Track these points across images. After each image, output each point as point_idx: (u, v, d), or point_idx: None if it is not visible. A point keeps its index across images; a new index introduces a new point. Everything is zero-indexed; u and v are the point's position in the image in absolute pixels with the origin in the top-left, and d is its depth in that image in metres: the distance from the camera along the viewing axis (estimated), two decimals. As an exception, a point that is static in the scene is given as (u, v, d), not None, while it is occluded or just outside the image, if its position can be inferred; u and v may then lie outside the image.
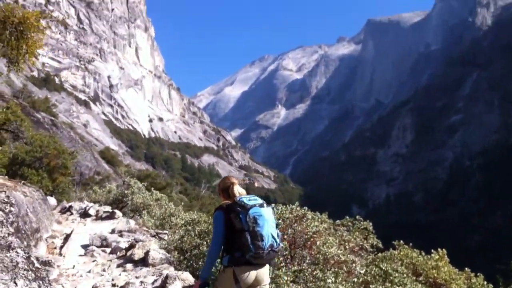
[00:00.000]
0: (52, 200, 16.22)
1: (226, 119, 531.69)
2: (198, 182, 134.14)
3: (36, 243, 9.52)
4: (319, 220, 8.20)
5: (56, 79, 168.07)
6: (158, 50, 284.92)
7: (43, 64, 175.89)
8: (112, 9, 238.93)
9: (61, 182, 18.63)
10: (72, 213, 14.70)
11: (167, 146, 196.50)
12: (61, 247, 10.42)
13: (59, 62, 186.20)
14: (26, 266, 6.84)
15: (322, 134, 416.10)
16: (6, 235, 7.39)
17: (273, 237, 4.29)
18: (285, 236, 7.80)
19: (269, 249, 4.24)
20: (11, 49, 6.13)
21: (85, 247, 10.39)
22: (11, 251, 6.79)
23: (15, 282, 6.36)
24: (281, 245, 4.44)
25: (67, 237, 11.05)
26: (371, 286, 6.71)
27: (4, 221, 7.78)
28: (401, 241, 10.67)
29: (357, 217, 10.00)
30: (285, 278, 6.74)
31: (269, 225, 4.29)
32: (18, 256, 6.95)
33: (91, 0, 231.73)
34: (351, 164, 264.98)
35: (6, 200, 8.69)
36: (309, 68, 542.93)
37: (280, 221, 7.79)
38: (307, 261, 7.67)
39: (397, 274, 7.29)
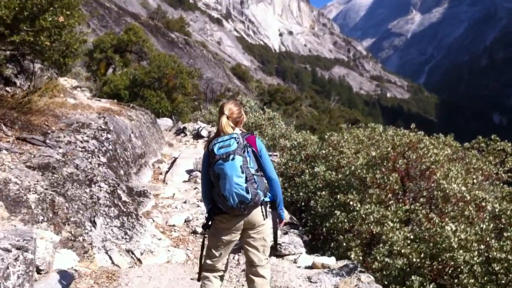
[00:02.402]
0: (168, 121, 16.29)
1: (356, 28, 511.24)
2: (328, 94, 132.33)
3: (139, 170, 9.30)
4: (440, 145, 6.77)
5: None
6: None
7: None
8: None
9: (180, 102, 18.65)
10: (185, 135, 14.59)
11: (297, 60, 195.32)
12: (167, 172, 10.18)
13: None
14: (108, 202, 6.46)
15: (461, 39, 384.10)
16: (96, 166, 7.11)
17: (239, 194, 3.73)
18: (397, 166, 6.56)
19: (241, 205, 3.75)
20: None
21: (190, 172, 10.03)
22: (93, 185, 6.44)
23: (93, 221, 6.03)
24: (260, 197, 3.86)
25: (173, 162, 10.79)
26: (504, 233, 5.32)
27: (96, 150, 7.50)
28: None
29: (492, 136, 8.24)
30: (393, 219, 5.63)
31: (231, 183, 3.72)
32: (101, 190, 6.60)
33: None
34: (493, 68, 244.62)
35: (103, 126, 8.44)
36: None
37: (389, 149, 6.52)
38: (424, 195, 6.41)
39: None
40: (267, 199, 3.98)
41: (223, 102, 4.30)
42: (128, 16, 62.35)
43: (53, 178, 5.98)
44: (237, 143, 3.86)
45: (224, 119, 3.99)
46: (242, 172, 3.80)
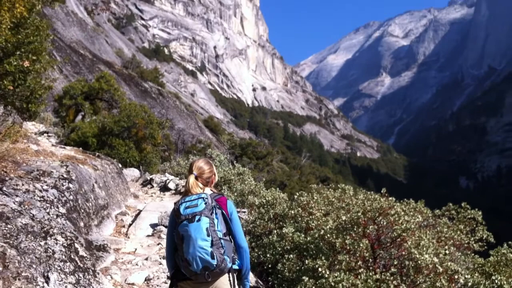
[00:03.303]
0: (135, 172, 15.91)
1: (328, 88, 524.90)
2: (299, 151, 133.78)
3: (101, 222, 8.89)
4: (411, 212, 6.64)
5: (166, 50, 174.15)
6: (263, 19, 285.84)
7: (154, 35, 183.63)
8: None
9: (149, 152, 18.35)
10: (152, 186, 14.22)
11: (270, 115, 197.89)
12: (130, 225, 9.78)
13: (169, 33, 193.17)
14: (64, 257, 6.04)
15: (429, 103, 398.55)
16: (53, 217, 6.73)
17: (203, 259, 3.51)
18: (367, 231, 6.38)
19: (205, 271, 3.54)
20: None
21: (154, 226, 9.66)
22: (48, 238, 6.06)
23: (46, 277, 5.62)
24: (227, 264, 3.63)
25: (138, 214, 10.41)
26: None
27: (56, 200, 7.14)
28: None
29: (462, 204, 8.22)
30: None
31: (195, 246, 3.52)
32: (56, 244, 6.20)
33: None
34: (460, 134, 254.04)
35: (65, 175, 8.08)
36: (417, 34, 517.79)
37: (359, 213, 6.36)
38: (395, 264, 6.20)
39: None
40: (235, 266, 3.72)
41: (193, 160, 4.10)
42: (102, 64, 62.39)
43: (6, 228, 5.59)
44: (205, 203, 3.63)
45: (192, 179, 3.79)
46: (208, 235, 3.55)
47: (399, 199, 7.56)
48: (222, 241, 3.59)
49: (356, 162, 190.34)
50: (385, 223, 6.26)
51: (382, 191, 7.13)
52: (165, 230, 9.35)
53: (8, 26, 5.79)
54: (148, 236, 9.27)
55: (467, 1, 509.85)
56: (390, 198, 6.77)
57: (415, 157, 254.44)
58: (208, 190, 3.86)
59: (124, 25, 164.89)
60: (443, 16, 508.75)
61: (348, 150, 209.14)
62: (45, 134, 18.81)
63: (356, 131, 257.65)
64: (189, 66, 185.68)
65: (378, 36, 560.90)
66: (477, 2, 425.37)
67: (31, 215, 6.26)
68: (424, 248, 5.82)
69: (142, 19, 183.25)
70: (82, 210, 8.06)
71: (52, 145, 11.59)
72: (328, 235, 6.41)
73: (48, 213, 6.67)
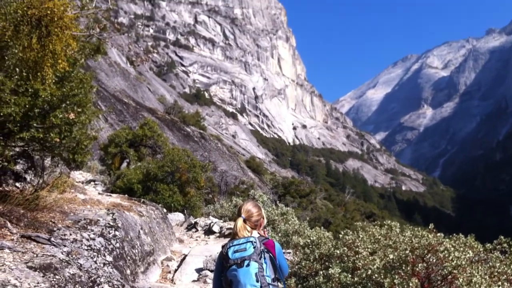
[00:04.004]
0: (179, 216, 16.02)
1: (369, 122, 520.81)
2: (343, 187, 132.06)
3: (147, 268, 8.93)
4: (461, 247, 6.38)
5: (206, 94, 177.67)
6: (300, 59, 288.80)
7: (194, 80, 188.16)
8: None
9: (193, 196, 18.51)
10: (197, 230, 14.26)
11: (311, 152, 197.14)
12: (175, 271, 9.77)
13: (208, 77, 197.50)
14: (110, 307, 6.13)
15: (474, 133, 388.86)
16: (100, 266, 6.81)
17: None
18: (416, 269, 6.15)
19: None
20: (34, 51, 5.36)
21: (199, 271, 9.62)
22: (95, 287, 6.14)
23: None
24: None
25: (183, 259, 10.41)
26: None
27: (102, 249, 7.25)
28: None
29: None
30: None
31: None
32: (103, 294, 6.27)
33: (235, 17, 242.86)
34: (508, 162, 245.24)
35: (111, 223, 8.23)
36: (456, 64, 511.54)
37: (407, 251, 6.15)
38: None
39: None
40: None
41: (242, 203, 4.08)
42: (145, 111, 64.07)
43: (54, 279, 5.68)
44: (254, 248, 3.59)
45: (240, 222, 3.77)
46: (257, 281, 3.49)
47: (448, 233, 7.31)
48: (271, 286, 3.54)
49: (401, 197, 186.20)
50: (434, 260, 6.03)
51: (430, 227, 6.90)
52: (210, 274, 9.30)
53: (53, 81, 6.03)
54: (194, 281, 9.24)
55: (505, 29, 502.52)
56: (439, 234, 6.54)
57: (462, 189, 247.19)
58: (255, 233, 3.82)
59: (165, 72, 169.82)
60: (482, 45, 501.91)
61: (392, 185, 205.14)
62: (92, 183, 19.28)
63: (400, 165, 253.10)
64: (230, 108, 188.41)
65: (417, 68, 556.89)
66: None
67: (79, 264, 6.36)
68: (477, 285, 5.57)
69: (182, 65, 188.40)
70: (129, 257, 8.13)
71: (99, 193, 11.84)
72: (376, 274, 6.21)
73: (95, 262, 6.76)
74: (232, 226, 13.62)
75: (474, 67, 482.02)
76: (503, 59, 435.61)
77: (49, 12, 5.38)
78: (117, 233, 8.05)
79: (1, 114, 5.53)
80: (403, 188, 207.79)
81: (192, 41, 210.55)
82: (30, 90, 5.75)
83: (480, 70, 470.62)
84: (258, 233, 3.87)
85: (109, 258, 7.19)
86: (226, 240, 12.44)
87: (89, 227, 7.58)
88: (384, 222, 8.44)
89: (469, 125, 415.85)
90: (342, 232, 8.54)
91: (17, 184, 8.08)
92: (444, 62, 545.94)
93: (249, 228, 3.78)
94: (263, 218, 3.97)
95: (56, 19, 5.39)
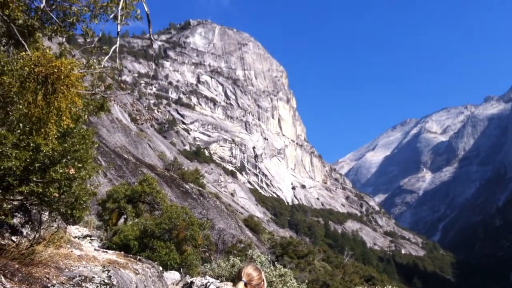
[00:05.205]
0: (175, 275, 15.75)
1: (368, 184, 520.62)
2: (341, 249, 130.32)
3: (140, 328, 8.71)
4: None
5: (206, 152, 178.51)
6: (300, 120, 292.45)
7: (194, 138, 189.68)
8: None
9: (189, 254, 18.27)
10: (192, 290, 13.98)
11: (310, 213, 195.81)
12: (169, 332, 9.52)
13: (209, 136, 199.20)
14: None
15: (473, 198, 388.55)
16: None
17: None
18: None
19: None
20: (39, 108, 5.47)
21: (193, 333, 9.37)
22: None
23: None
24: None
25: (177, 320, 10.16)
26: None
27: (96, 308, 7.12)
28: None
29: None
30: None
31: None
32: None
33: (237, 78, 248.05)
34: (507, 229, 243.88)
35: (106, 281, 8.10)
36: (455, 130, 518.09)
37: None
38: None
39: None
40: None
41: (241, 266, 4.04)
42: (145, 167, 64.14)
43: (45, 338, 5.56)
44: None
45: (241, 286, 3.72)
46: None
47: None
48: None
49: (401, 260, 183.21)
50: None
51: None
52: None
53: (55, 136, 6.13)
54: None
55: (503, 96, 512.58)
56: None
57: (462, 254, 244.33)
58: None
59: (166, 129, 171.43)
60: (480, 112, 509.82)
61: (392, 248, 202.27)
62: (88, 238, 19.07)
63: (399, 228, 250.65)
64: (229, 167, 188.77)
65: (416, 132, 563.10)
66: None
67: (72, 322, 6.23)
68: None
69: (184, 123, 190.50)
70: (123, 317, 7.95)
71: (95, 249, 11.71)
72: None
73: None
74: (229, 287, 13.37)
75: (473, 133, 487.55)
76: (501, 126, 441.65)
77: (56, 70, 5.54)
78: (111, 291, 7.91)
79: (2, 167, 5.59)
80: (403, 251, 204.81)
81: (194, 100, 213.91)
82: (31, 144, 5.84)
83: (478, 136, 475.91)
84: None
85: (101, 319, 7.03)
86: (222, 301, 12.17)
87: (83, 284, 7.47)
88: (385, 286, 8.34)
89: (468, 190, 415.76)
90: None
91: (13, 238, 8.02)
92: (442, 127, 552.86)
93: None
94: (263, 281, 3.92)
95: (62, 77, 5.54)
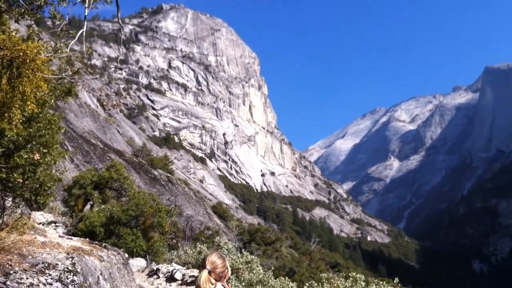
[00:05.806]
0: (141, 262, 15.70)
1: (337, 172, 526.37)
2: (309, 236, 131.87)
3: (105, 315, 8.66)
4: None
5: (176, 138, 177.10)
6: (271, 107, 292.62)
7: (164, 124, 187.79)
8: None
9: (156, 241, 18.19)
10: (158, 277, 13.96)
11: (279, 200, 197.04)
12: (134, 319, 9.50)
13: (179, 122, 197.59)
14: None
15: (439, 186, 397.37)
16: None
17: None
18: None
19: None
20: (3, 92, 5.35)
21: (159, 319, 9.38)
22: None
23: None
24: None
25: (143, 307, 10.14)
26: None
27: (59, 294, 7.04)
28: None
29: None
30: None
31: None
32: None
33: (209, 64, 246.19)
34: (472, 216, 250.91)
35: (70, 268, 8.01)
36: (423, 119, 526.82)
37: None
38: None
39: None
40: None
41: (206, 254, 4.04)
42: (113, 153, 63.31)
43: (6, 325, 5.50)
44: None
45: (204, 274, 3.73)
46: None
47: (413, 286, 7.38)
48: None
49: (367, 247, 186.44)
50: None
51: (394, 281, 6.98)
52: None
53: (20, 121, 6.00)
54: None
55: (471, 86, 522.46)
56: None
57: (427, 241, 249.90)
58: (219, 286, 3.78)
59: (136, 114, 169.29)
60: (448, 101, 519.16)
61: (358, 235, 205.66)
62: (53, 224, 18.80)
63: (366, 215, 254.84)
64: (199, 153, 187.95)
65: (385, 121, 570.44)
66: (482, 87, 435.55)
67: (34, 309, 6.15)
68: None
69: (154, 109, 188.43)
70: (87, 303, 7.89)
71: (59, 236, 11.56)
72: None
73: (50, 310, 6.55)
74: (195, 274, 13.40)
75: (440, 122, 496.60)
76: (468, 116, 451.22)
77: (21, 54, 5.42)
78: (75, 278, 7.83)
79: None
80: (369, 238, 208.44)
81: (165, 85, 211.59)
82: (-5, 129, 5.71)
83: (446, 126, 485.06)
84: (222, 285, 3.84)
85: (65, 305, 6.96)
86: (189, 288, 12.17)
87: (46, 271, 7.37)
88: (350, 273, 8.47)
89: (434, 179, 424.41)
90: (307, 284, 8.53)
91: (-25, 224, 7.85)
92: (411, 116, 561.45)
93: (213, 281, 3.75)
94: (227, 270, 3.93)
95: (28, 61, 5.42)
